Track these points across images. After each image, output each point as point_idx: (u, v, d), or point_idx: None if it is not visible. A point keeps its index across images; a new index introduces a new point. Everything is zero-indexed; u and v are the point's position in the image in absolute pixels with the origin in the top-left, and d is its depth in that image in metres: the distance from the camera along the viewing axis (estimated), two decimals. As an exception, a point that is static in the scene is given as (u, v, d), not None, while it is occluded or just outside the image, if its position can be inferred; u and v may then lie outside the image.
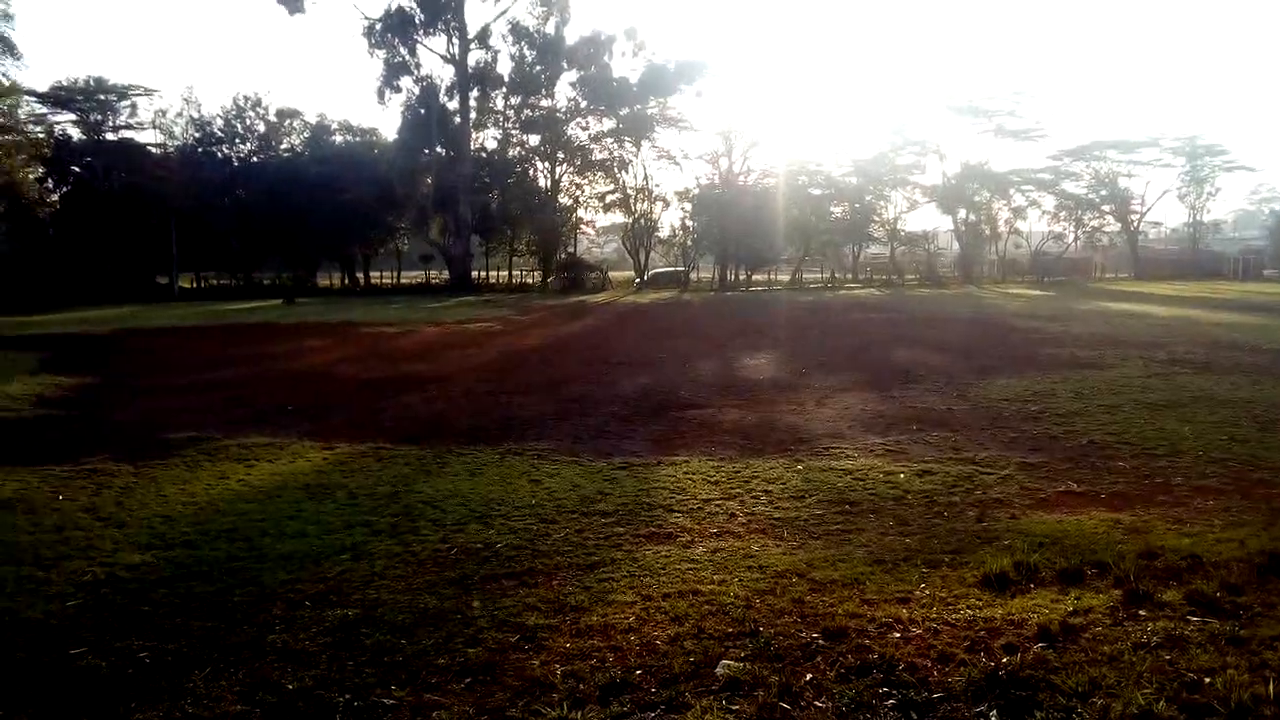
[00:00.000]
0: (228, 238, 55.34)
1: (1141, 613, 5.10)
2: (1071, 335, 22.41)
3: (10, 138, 48.48)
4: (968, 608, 5.30)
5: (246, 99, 60.08)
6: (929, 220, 72.15)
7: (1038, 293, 48.40)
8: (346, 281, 64.48)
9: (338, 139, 62.47)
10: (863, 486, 8.45)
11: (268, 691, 4.46)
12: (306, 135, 62.36)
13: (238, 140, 60.49)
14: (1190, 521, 7.08)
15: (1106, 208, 72.27)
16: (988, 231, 70.22)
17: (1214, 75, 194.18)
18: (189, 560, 6.55)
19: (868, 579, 5.88)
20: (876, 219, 68.04)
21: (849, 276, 68.33)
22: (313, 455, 10.27)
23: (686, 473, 9.12)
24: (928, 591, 5.62)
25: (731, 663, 4.61)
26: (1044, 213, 72.34)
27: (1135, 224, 73.41)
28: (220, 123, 59.78)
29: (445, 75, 56.89)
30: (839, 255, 71.57)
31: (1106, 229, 73.75)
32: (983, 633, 4.92)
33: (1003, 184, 68.13)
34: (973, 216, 68.23)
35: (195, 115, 59.46)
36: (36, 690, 4.55)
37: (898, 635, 4.94)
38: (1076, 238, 73.64)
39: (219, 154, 59.45)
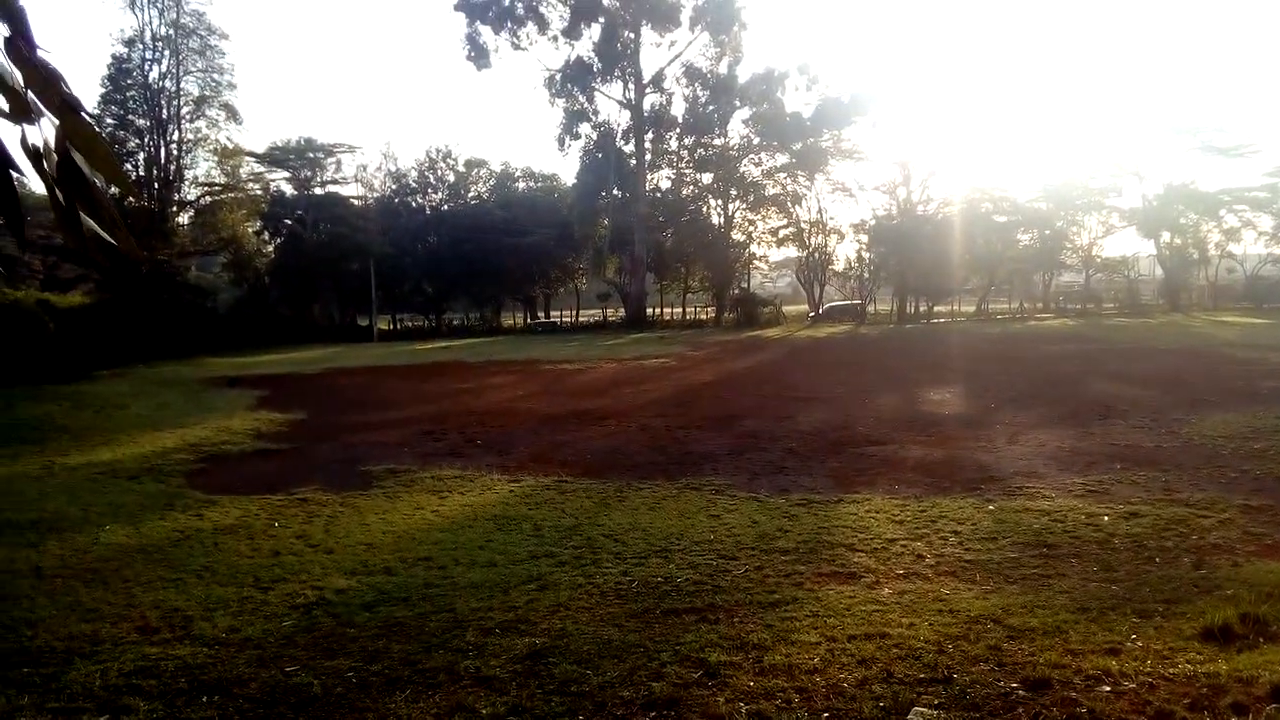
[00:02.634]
0: (420, 281, 58.97)
1: (1399, 678, 4.53)
2: (1300, 366, 20.32)
3: (233, 195, 53.73)
4: (1187, 662, 4.87)
5: (438, 151, 64.38)
6: (1128, 245, 67.52)
7: (1255, 320, 44.17)
8: (529, 320, 67.21)
9: (520, 185, 65.78)
10: (1061, 528, 7.95)
11: (464, 715, 4.65)
12: (492, 183, 66.01)
13: (429, 190, 64.77)
14: None
15: (1336, 225, 65.14)
16: (1196, 255, 64.80)
17: None
18: (389, 586, 6.95)
19: (1071, 627, 5.51)
20: (1069, 245, 64.33)
21: (1039, 306, 64.81)
22: (499, 487, 10.70)
23: (869, 511, 8.88)
24: (1140, 643, 5.21)
25: (925, 710, 4.43)
26: (1260, 234, 65.99)
27: (1373, 242, 65.68)
28: (414, 174, 64.27)
29: (621, 120, 58.81)
30: (1028, 284, 68.09)
31: (1337, 249, 66.48)
32: (1205, 690, 4.50)
33: (1212, 204, 62.74)
34: (1178, 240, 63.21)
35: (392, 168, 64.24)
36: (258, 704, 4.94)
37: (1107, 689, 4.59)
38: (1300, 260, 66.70)
39: (413, 203, 63.77)
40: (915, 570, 6.94)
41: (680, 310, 66.38)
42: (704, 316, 63.32)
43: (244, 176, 56.91)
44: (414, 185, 64.34)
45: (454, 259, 58.11)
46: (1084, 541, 7.53)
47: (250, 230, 55.84)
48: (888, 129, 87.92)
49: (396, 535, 8.54)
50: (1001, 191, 63.68)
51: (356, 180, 64.67)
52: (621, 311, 62.27)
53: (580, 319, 67.81)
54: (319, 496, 10.38)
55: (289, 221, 61.06)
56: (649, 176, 60.80)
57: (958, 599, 6.19)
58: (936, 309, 62.20)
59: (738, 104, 58.54)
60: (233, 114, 51.40)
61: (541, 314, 67.79)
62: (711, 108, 58.22)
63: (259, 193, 58.39)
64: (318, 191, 63.57)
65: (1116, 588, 6.31)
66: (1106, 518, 8.24)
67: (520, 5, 55.41)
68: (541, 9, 55.85)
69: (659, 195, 62.08)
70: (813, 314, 60.58)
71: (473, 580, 7.00)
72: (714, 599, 6.35)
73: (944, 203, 61.71)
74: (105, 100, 47.99)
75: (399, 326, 66.44)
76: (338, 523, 9.12)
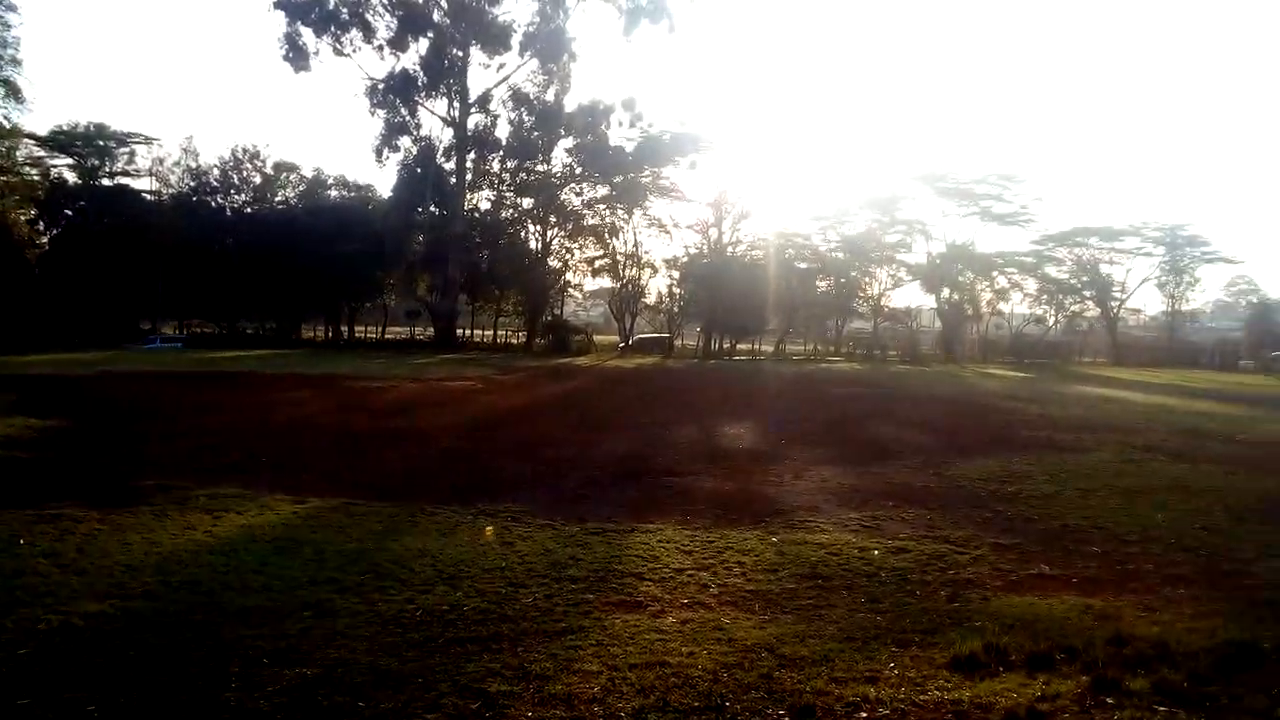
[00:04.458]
0: (214, 286, 55.32)
1: (1109, 700, 5.07)
2: (1049, 418, 22.56)
3: (5, 179, 48.62)
4: (936, 689, 5.26)
5: (245, 151, 60.81)
6: (913, 298, 73.40)
7: (1017, 374, 48.82)
8: (331, 334, 64.41)
9: (332, 193, 63.12)
10: (836, 561, 8.41)
11: (218, 751, 4.34)
12: (302, 189, 63.00)
13: (233, 191, 61.01)
14: (1160, 609, 7.07)
15: (1087, 293, 73.71)
16: (970, 311, 71.15)
17: (1199, 167, 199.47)
18: (148, 611, 6.42)
19: (837, 656, 5.83)
20: (861, 294, 69.08)
21: (832, 350, 68.84)
22: (283, 508, 10.14)
23: (660, 541, 9.06)
24: (897, 671, 5.57)
25: (694, 738, 4.53)
26: (1026, 295, 73.72)
27: (1115, 310, 74.77)
28: (217, 173, 60.35)
29: (444, 137, 57.82)
30: (823, 328, 72.27)
31: (1087, 314, 75.10)
32: (949, 715, 4.88)
33: (987, 266, 69.38)
34: (956, 296, 69.18)
35: (193, 165, 60.05)
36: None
37: (865, 715, 4.88)
38: (1057, 321, 74.85)
39: (214, 203, 59.86)
40: (699, 600, 7.13)
41: (492, 333, 65.70)
42: (515, 341, 62.95)
43: (20, 160, 51.65)
44: (216, 184, 60.42)
45: (254, 265, 54.92)
46: (855, 574, 8.00)
47: (23, 218, 50.62)
48: (706, 171, 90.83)
49: (162, 556, 7.91)
50: (805, 239, 67.58)
51: (151, 174, 60.12)
52: (430, 331, 60.88)
53: (387, 336, 65.76)
54: (75, 512, 9.45)
55: (69, 212, 55.92)
56: (469, 196, 60.09)
57: (737, 628, 6.41)
58: (739, 346, 64.80)
59: (562, 133, 58.93)
60: (14, 91, 46.55)
61: (345, 329, 65.10)
62: (536, 134, 58.34)
63: (36, 178, 53.16)
64: (105, 183, 58.67)
65: (880, 618, 6.74)
66: (876, 552, 8.80)
67: (345, 11, 53.56)
68: (369, 17, 54.22)
69: (478, 216, 61.40)
70: (623, 344, 61.63)
71: (244, 606, 6.58)
72: (500, 628, 6.28)
73: (752, 245, 64.69)
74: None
75: (187, 332, 62.04)
76: (95, 541, 8.34)
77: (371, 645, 5.85)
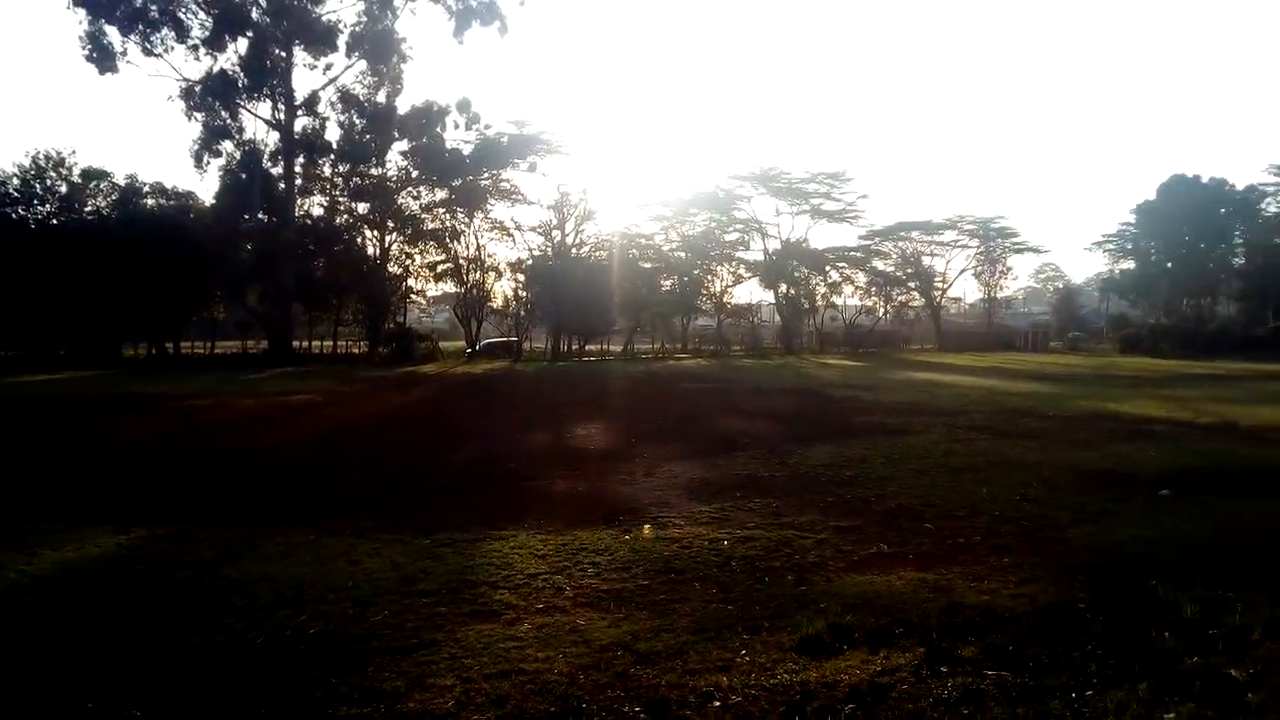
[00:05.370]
0: (16, 305, 50.74)
1: (943, 669, 5.38)
2: (882, 404, 23.76)
3: None
4: (785, 672, 5.44)
5: (48, 158, 55.88)
6: (753, 294, 75.97)
7: (852, 363, 51.19)
8: (154, 351, 60.34)
9: (150, 202, 59.01)
10: (688, 554, 8.56)
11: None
12: (115, 197, 58.52)
13: (36, 201, 56.06)
14: (988, 578, 7.56)
15: (912, 284, 78.38)
16: (806, 305, 74.28)
17: (1008, 163, 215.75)
18: (-52, 665, 5.83)
19: (691, 648, 5.93)
20: (705, 292, 70.82)
21: (678, 347, 70.17)
22: (105, 540, 9.42)
23: (514, 547, 8.97)
24: (748, 658, 5.73)
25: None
26: (857, 288, 77.60)
27: (938, 300, 79.85)
28: (16, 182, 55.33)
29: (270, 140, 55.15)
30: (669, 326, 73.58)
31: (913, 304, 79.77)
32: (797, 697, 5.05)
33: (819, 261, 72.66)
34: (793, 291, 71.99)
35: (-13, 175, 54.79)
36: None
37: (717, 704, 4.99)
38: (886, 312, 79.01)
39: (13, 215, 54.85)
40: (555, 604, 7.11)
41: (331, 343, 63.27)
42: (357, 350, 60.89)
43: None
44: (15, 195, 55.38)
45: (63, 281, 50.72)
46: (707, 565, 8.17)
47: None
48: (547, 173, 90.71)
49: (-38, 604, 7.20)
50: (648, 239, 68.69)
51: (-65, 185, 54.53)
52: (264, 343, 58.02)
53: (216, 350, 62.19)
54: None
55: None
56: (300, 202, 57.70)
57: (592, 629, 6.42)
58: (588, 347, 65.09)
59: (396, 135, 57.38)
60: None
61: (170, 345, 61.12)
62: (369, 136, 56.60)
63: None
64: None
65: (732, 607, 6.91)
66: (726, 542, 9.01)
67: (155, 8, 50.18)
68: (181, 15, 50.92)
69: (310, 222, 58.95)
70: (470, 350, 60.69)
71: (59, 648, 6.07)
72: (348, 649, 6.05)
73: (597, 246, 65.16)
74: None
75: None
76: (-120, 593, 7.50)
77: (208, 680, 5.52)
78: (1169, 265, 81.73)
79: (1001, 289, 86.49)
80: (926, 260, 78.84)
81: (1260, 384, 32.64)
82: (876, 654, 5.70)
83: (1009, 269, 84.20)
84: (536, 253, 63.88)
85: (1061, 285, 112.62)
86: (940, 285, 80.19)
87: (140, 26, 50.20)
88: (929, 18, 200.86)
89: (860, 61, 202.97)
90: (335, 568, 8.21)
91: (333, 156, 57.49)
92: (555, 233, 62.90)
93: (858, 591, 7.25)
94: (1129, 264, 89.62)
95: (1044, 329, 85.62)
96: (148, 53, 50.99)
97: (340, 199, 60.30)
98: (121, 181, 59.01)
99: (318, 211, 60.23)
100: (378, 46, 53.64)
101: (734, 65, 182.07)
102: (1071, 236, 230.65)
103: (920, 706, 4.82)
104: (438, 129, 57.79)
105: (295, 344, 58.68)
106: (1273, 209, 77.02)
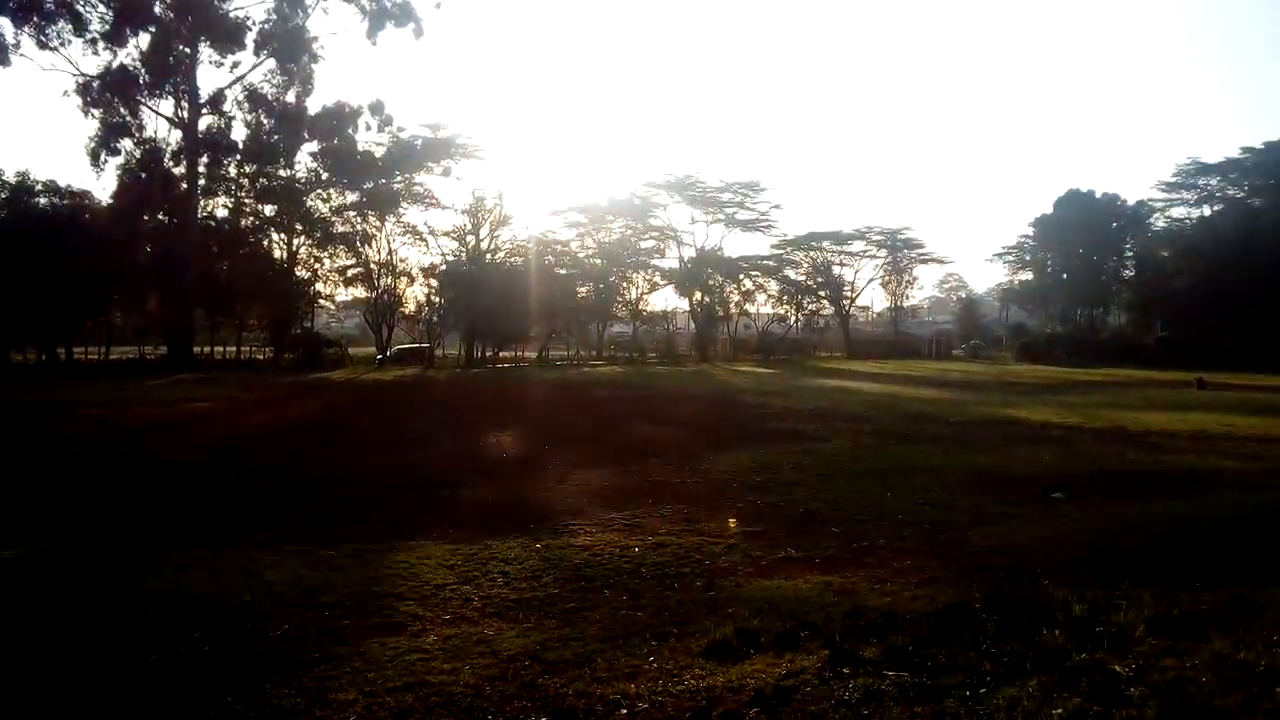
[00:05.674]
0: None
1: (846, 670, 5.48)
2: (793, 410, 24.16)
3: None
4: (691, 678, 5.46)
5: (-75, 152, 52.92)
6: (669, 301, 76.68)
7: (764, 370, 51.96)
8: (45, 357, 57.40)
9: (42, 201, 56.14)
10: (599, 562, 8.55)
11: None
12: (4, 196, 55.56)
13: (-83, 202, 52.76)
14: (890, 580, 7.74)
15: (823, 293, 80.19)
16: (721, 313, 75.18)
17: (913, 176, 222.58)
18: None
19: (599, 656, 5.92)
20: (620, 299, 71.00)
21: (594, 354, 70.16)
22: (-17, 557, 8.92)
23: (422, 557, 8.81)
24: (656, 664, 5.74)
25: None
26: (769, 296, 79.04)
27: (847, 308, 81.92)
28: (-107, 183, 52.00)
29: (172, 139, 53.11)
30: (585, 333, 73.55)
31: (823, 312, 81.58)
32: (703, 702, 5.08)
33: (733, 269, 73.74)
34: (707, 299, 72.79)
35: None
36: None
37: (624, 712, 4.99)
38: (797, 320, 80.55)
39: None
40: (462, 614, 7.01)
41: (235, 349, 61.26)
42: (261, 356, 59.10)
43: None
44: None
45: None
46: (617, 573, 8.17)
47: None
48: (461, 177, 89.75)
49: None
50: (564, 245, 68.57)
51: None
52: (164, 349, 55.80)
53: (112, 356, 59.52)
54: None
55: None
56: (203, 203, 55.80)
57: (500, 639, 6.36)
58: (502, 354, 64.55)
59: (306, 136, 55.95)
60: None
61: (62, 350, 58.23)
62: (277, 137, 55.03)
63: None
64: None
65: (641, 614, 6.92)
66: (637, 549, 9.03)
67: (51, 1, 47.86)
68: (79, 7, 48.60)
69: (214, 224, 57.06)
70: (381, 356, 59.54)
71: (-70, 675, 5.72)
72: (245, 666, 5.85)
73: (512, 252, 64.69)
74: None
75: None
76: None
77: (93, 701, 5.27)
78: (1064, 276, 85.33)
79: (907, 298, 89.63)
80: (836, 269, 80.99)
81: (1146, 390, 34.34)
82: (782, 657, 5.78)
83: (915, 279, 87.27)
84: (450, 258, 63.14)
85: (964, 295, 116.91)
86: (849, 294, 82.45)
87: (35, 19, 47.86)
88: (840, 33, 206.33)
89: (775, 72, 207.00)
90: (234, 581, 7.93)
91: (239, 157, 55.75)
92: (470, 238, 62.31)
93: (765, 596, 7.34)
94: (1027, 275, 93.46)
95: (947, 337, 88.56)
96: (43, 46, 48.64)
97: (246, 200, 58.57)
98: (12, 179, 56.08)
99: (222, 213, 58.46)
100: (288, 45, 52.25)
101: (650, 74, 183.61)
102: (974, 248, 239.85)
103: (823, 708, 4.89)
104: (349, 130, 56.67)
105: (196, 350, 56.65)
106: (1161, 224, 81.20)
